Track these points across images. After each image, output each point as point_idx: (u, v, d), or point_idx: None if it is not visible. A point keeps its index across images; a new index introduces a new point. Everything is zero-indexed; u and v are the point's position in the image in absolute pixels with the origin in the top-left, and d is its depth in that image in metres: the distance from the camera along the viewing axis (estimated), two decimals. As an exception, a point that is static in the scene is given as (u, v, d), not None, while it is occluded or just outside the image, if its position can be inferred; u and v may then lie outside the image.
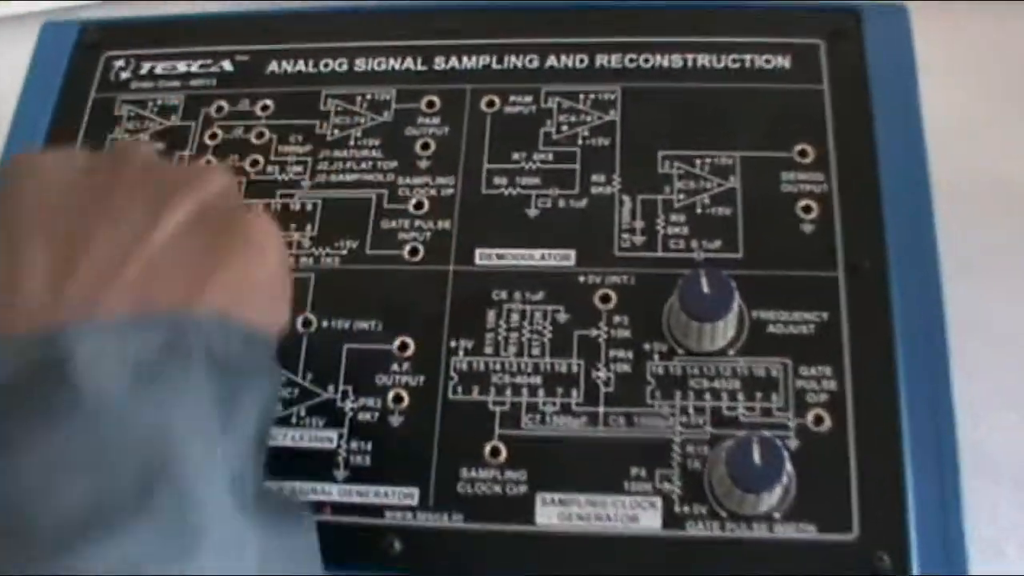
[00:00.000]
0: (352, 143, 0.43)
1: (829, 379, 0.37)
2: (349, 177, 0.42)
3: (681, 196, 0.40)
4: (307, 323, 0.40)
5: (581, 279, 0.39)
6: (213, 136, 0.44)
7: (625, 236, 0.40)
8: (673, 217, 0.40)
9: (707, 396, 0.37)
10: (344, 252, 0.41)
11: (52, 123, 0.45)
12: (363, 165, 0.42)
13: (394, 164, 0.42)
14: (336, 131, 0.43)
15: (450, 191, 0.41)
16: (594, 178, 0.41)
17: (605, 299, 0.39)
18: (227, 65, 0.45)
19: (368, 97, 0.44)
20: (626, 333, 0.38)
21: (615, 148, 0.41)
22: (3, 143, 0.45)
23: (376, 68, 0.44)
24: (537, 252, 0.40)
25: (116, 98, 0.45)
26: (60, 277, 0.28)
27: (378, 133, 0.43)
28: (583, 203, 0.41)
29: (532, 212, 0.41)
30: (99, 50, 0.46)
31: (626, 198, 0.40)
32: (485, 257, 0.40)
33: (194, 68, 0.45)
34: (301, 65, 0.45)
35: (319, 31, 0.45)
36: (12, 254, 0.29)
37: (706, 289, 0.37)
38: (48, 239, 0.29)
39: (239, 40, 0.46)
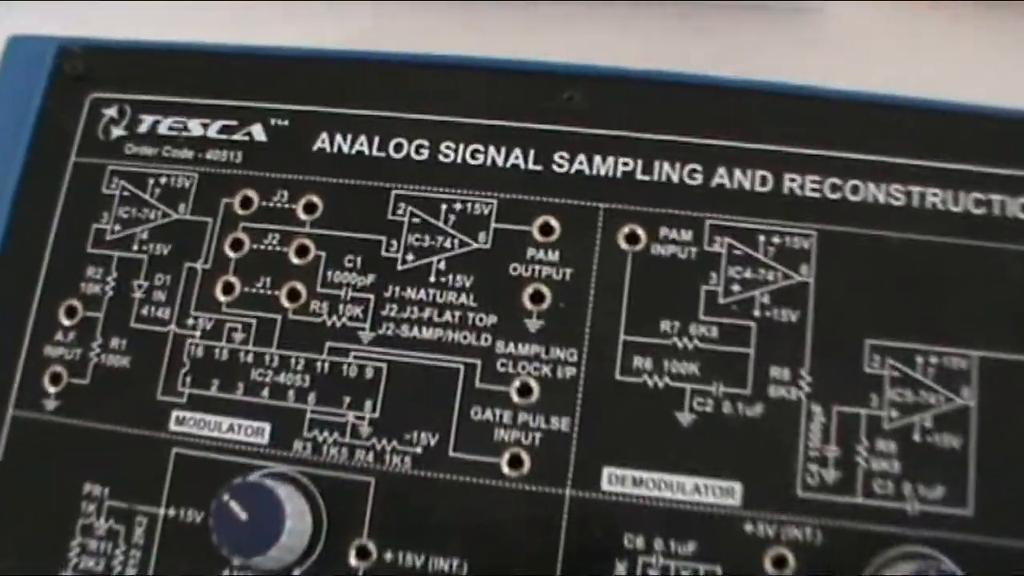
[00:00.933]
0: (433, 278, 0.31)
1: None
2: (427, 332, 0.30)
3: (894, 413, 0.29)
4: (363, 553, 0.29)
5: (748, 528, 0.28)
6: (237, 245, 0.31)
7: (812, 468, 0.29)
8: (881, 444, 0.29)
9: None
10: (418, 450, 0.29)
11: (18, 192, 0.32)
12: (447, 316, 0.30)
13: (492, 319, 0.30)
14: (410, 256, 0.31)
15: (570, 371, 0.30)
16: (774, 372, 0.29)
17: (779, 562, 0.28)
18: (258, 132, 0.32)
19: (457, 207, 0.31)
20: (805, 616, 0.28)
21: (806, 327, 0.29)
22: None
23: (470, 160, 0.31)
24: (690, 481, 0.29)
25: (105, 167, 0.32)
26: None
27: (470, 266, 0.31)
28: (757, 410, 0.29)
29: (685, 418, 0.29)
30: (83, 86, 0.33)
31: (817, 408, 0.29)
32: (616, 480, 0.29)
33: (213, 131, 0.32)
34: (363, 143, 0.32)
35: (392, 92, 0.32)
36: None
37: (936, 601, 0.26)
38: None
39: (277, 94, 0.32)
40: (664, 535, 0.28)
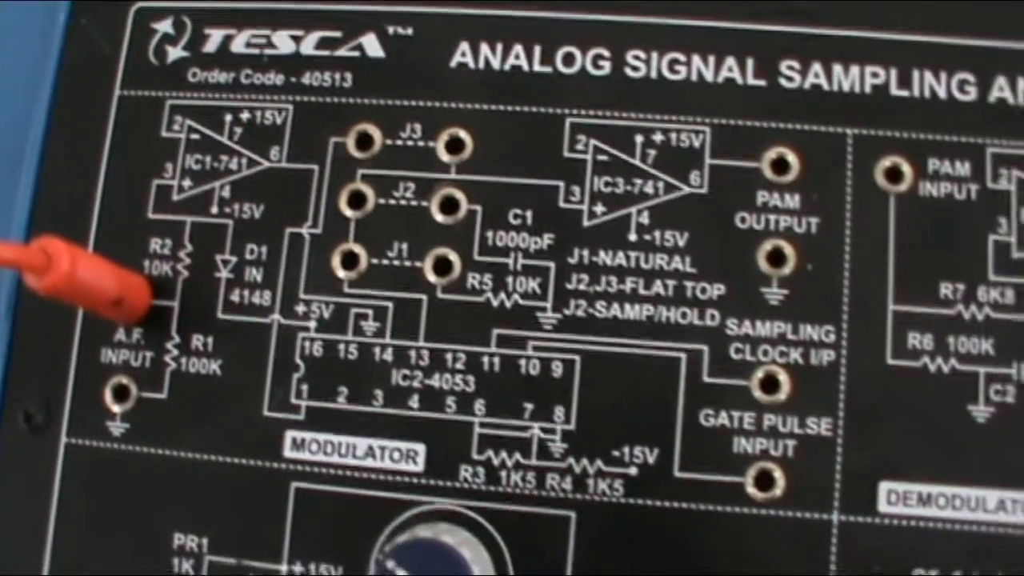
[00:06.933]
0: (633, 235, 0.23)
1: None
2: (632, 311, 0.23)
3: None
4: (569, 609, 0.22)
5: (1072, 553, 0.22)
6: (358, 200, 0.23)
7: None
8: None
9: None
10: (632, 470, 0.22)
11: (48, 144, 0.24)
12: (657, 286, 0.23)
13: (719, 289, 0.23)
14: (600, 207, 0.23)
15: (828, 355, 0.22)
16: (1090, 347, 0.22)
17: (1114, 596, 0.21)
18: (371, 44, 0.24)
19: (657, 138, 0.23)
20: None
21: None
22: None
23: (668, 74, 0.23)
24: (992, 495, 0.22)
25: (163, 101, 0.24)
26: None
27: (683, 218, 0.23)
28: (1072, 397, 0.22)
29: (980, 413, 0.22)
30: (123, -3, 0.24)
31: None
32: (897, 499, 0.22)
33: (308, 46, 0.24)
34: (519, 55, 0.24)
35: (552, -16, 0.24)
36: None
37: None
38: None
39: (395, -9, 0.24)
40: (964, 568, 0.21)
